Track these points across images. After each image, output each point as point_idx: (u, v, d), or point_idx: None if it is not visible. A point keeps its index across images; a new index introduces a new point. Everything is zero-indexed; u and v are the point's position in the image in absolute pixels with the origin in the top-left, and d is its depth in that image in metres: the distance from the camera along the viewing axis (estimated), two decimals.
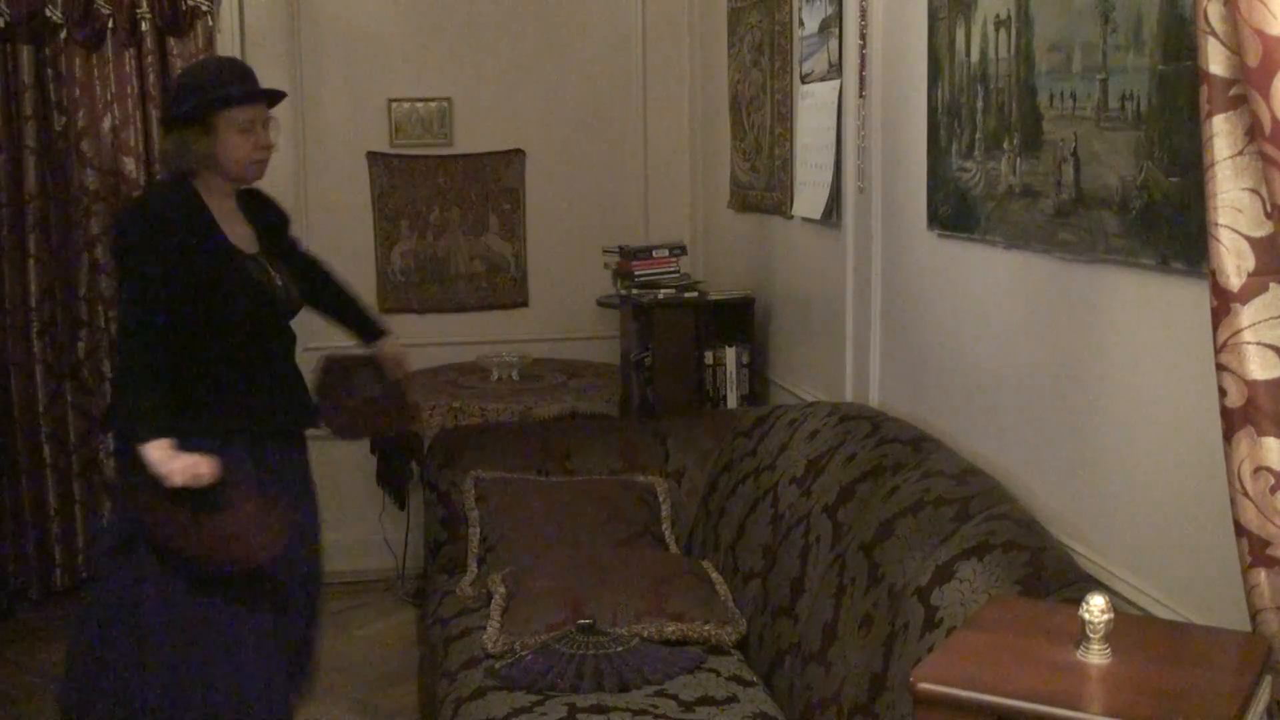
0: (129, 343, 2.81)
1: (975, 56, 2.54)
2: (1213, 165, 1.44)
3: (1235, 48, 1.38)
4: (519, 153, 4.86)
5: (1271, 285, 1.43)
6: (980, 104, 2.52)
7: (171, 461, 2.66)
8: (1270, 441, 1.43)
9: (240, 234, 2.97)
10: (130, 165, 4.40)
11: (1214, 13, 1.41)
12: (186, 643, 2.84)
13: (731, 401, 3.95)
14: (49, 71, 4.35)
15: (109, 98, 4.39)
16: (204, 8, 4.38)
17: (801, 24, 3.61)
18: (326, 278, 3.30)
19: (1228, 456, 1.47)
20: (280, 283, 2.99)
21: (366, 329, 3.33)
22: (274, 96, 2.99)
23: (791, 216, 3.76)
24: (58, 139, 4.39)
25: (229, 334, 2.89)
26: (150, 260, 2.78)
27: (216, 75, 2.92)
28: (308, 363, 3.28)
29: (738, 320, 4.02)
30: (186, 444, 2.71)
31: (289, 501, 2.96)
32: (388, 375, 3.30)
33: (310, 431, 3.18)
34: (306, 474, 3.14)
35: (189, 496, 2.68)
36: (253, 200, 3.09)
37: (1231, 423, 1.46)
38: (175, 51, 4.41)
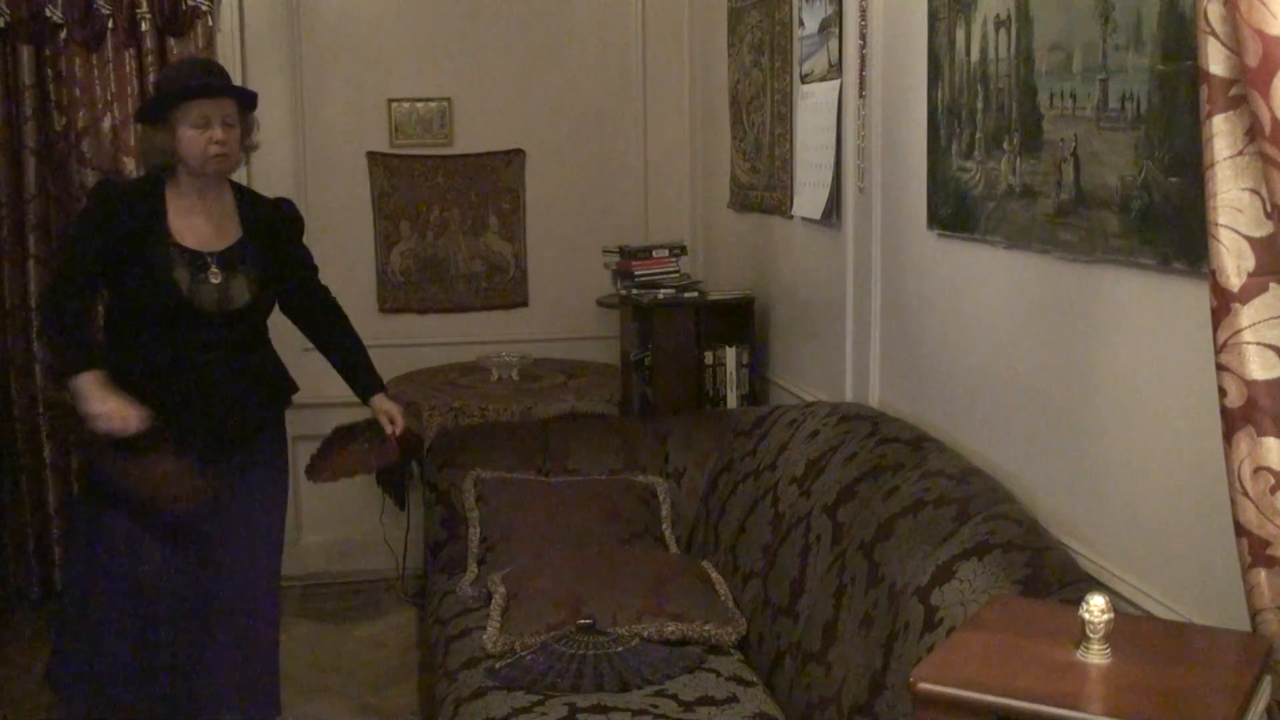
0: (55, 278, 3.03)
1: (975, 56, 2.54)
2: (1213, 165, 1.44)
3: (1235, 48, 1.38)
4: (519, 153, 4.86)
5: (1271, 285, 1.43)
6: (980, 104, 2.52)
7: (102, 402, 2.80)
8: (1270, 441, 1.43)
9: (199, 230, 3.01)
10: (130, 165, 4.39)
11: (1214, 13, 1.41)
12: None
13: (731, 401, 3.95)
14: (49, 71, 4.35)
15: (109, 98, 4.39)
16: (204, 8, 4.38)
17: (801, 24, 3.61)
18: (327, 320, 3.30)
19: (1228, 456, 1.47)
20: (218, 282, 2.98)
21: (358, 385, 3.31)
22: (235, 94, 3.03)
23: (791, 216, 3.76)
24: (58, 139, 4.38)
25: (141, 323, 2.98)
26: (89, 229, 2.97)
27: (178, 73, 3.09)
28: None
29: (738, 320, 4.02)
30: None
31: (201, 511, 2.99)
32: (381, 429, 3.29)
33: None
34: (230, 487, 3.05)
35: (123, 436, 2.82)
36: (253, 202, 3.12)
37: (1231, 423, 1.46)
38: (175, 51, 4.41)
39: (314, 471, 3.30)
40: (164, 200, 3.00)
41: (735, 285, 4.23)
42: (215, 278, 2.98)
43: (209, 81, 2.97)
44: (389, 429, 3.26)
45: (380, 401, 3.28)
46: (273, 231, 3.13)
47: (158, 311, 2.96)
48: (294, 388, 3.26)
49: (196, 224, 3.01)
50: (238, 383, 3.06)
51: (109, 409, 2.80)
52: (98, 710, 3.05)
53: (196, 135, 2.92)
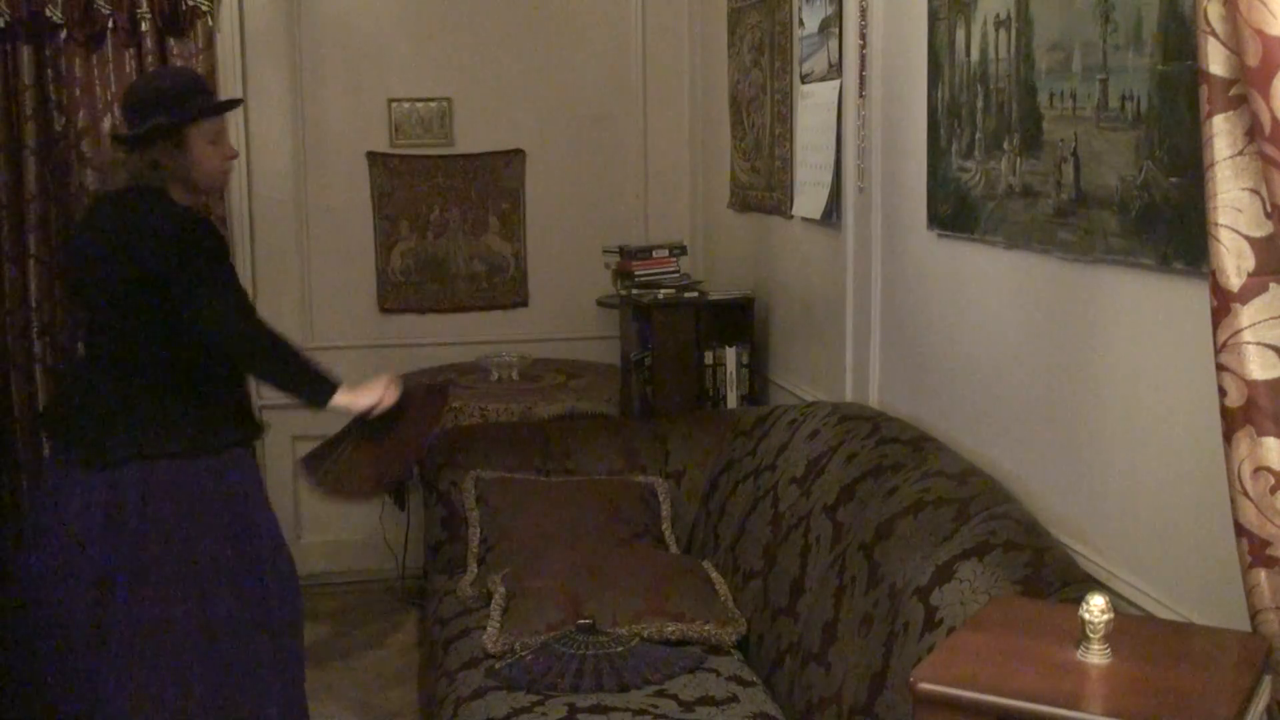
0: (256, 323, 2.83)
1: (975, 56, 2.54)
2: (1213, 165, 1.44)
3: (1235, 48, 1.38)
4: (519, 153, 4.86)
5: (1271, 285, 1.43)
6: (980, 104, 2.52)
7: (362, 395, 2.82)
8: (1270, 441, 1.43)
9: None
10: None
11: (1214, 13, 1.41)
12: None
13: (731, 401, 3.95)
14: (49, 71, 4.35)
15: (109, 98, 4.38)
16: (204, 8, 4.38)
17: (801, 24, 3.61)
18: None
19: (1228, 456, 1.47)
20: None
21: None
22: (236, 105, 3.06)
23: (791, 216, 3.76)
24: (58, 139, 4.38)
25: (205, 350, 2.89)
26: (227, 254, 2.85)
27: (181, 88, 2.87)
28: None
29: (738, 320, 4.02)
30: (212, 460, 2.80)
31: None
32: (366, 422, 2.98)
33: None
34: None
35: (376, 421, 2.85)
36: None
37: (1231, 423, 1.46)
38: (175, 51, 4.41)
39: (360, 485, 3.01)
40: None
41: (735, 285, 4.23)
42: None
43: (222, 100, 2.93)
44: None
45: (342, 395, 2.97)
46: None
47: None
48: None
49: None
50: None
51: (377, 391, 2.84)
52: None
53: (214, 152, 2.87)
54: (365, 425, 2.89)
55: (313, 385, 2.81)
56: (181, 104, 2.81)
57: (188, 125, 2.81)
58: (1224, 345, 1.46)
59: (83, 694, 2.77)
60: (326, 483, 2.93)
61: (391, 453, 2.95)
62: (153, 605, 2.76)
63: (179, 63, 4.39)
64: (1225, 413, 1.47)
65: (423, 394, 3.09)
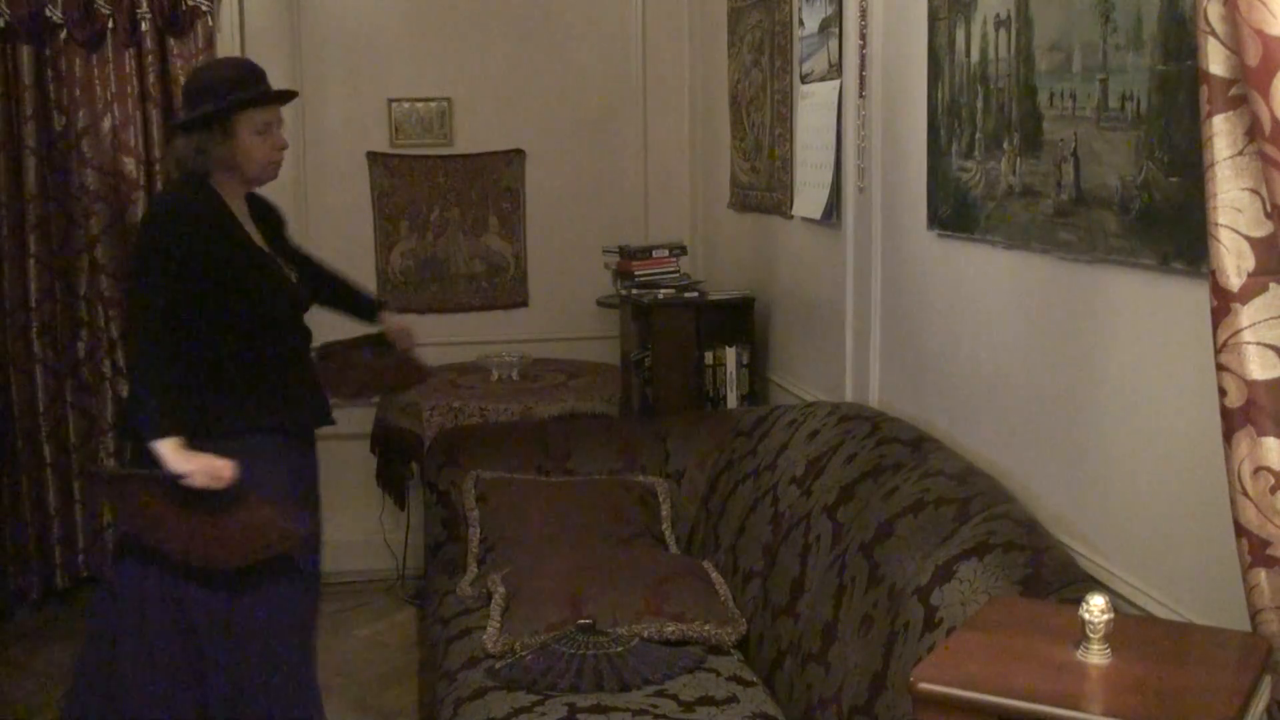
0: (146, 340, 2.77)
1: (975, 56, 2.54)
2: (1213, 165, 1.44)
3: (1235, 48, 1.38)
4: (519, 153, 4.86)
5: (1271, 285, 1.43)
6: (980, 104, 2.52)
7: (188, 461, 2.63)
8: (1270, 441, 1.43)
9: (256, 234, 2.99)
10: (130, 165, 4.40)
11: (1214, 13, 1.41)
12: (210, 644, 2.84)
13: (731, 401, 3.95)
14: (49, 71, 4.35)
15: (109, 98, 4.39)
16: (204, 8, 4.38)
17: (801, 24, 3.62)
18: (319, 268, 3.29)
19: (1228, 456, 1.47)
20: (295, 279, 3.01)
21: (364, 308, 3.34)
22: (288, 97, 3.01)
23: (791, 216, 3.76)
24: (58, 139, 4.39)
25: (258, 331, 2.89)
26: (175, 259, 2.75)
27: (233, 77, 2.88)
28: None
29: (738, 320, 4.02)
30: (218, 444, 2.70)
31: (311, 502, 3.00)
32: (396, 346, 3.26)
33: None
34: (317, 477, 3.13)
35: (200, 496, 2.64)
36: (254, 201, 3.10)
37: (1231, 423, 1.46)
38: (175, 51, 4.42)
39: (336, 387, 3.14)
40: (228, 207, 2.90)
41: (735, 285, 4.23)
42: (292, 275, 3.01)
43: (272, 90, 2.91)
44: (405, 343, 3.19)
45: (390, 317, 3.25)
46: (274, 230, 3.12)
47: (276, 316, 2.92)
48: None
49: (250, 228, 2.98)
50: (315, 376, 3.10)
51: (200, 465, 2.63)
52: None
53: (260, 142, 2.88)
54: (378, 342, 3.11)
55: (152, 418, 2.67)
56: (231, 93, 2.83)
57: (235, 114, 2.83)
58: (1224, 345, 1.46)
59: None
60: (326, 375, 3.10)
61: (384, 377, 3.17)
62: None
63: (179, 63, 4.40)
64: (1225, 413, 1.47)
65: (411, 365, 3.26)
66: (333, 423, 3.11)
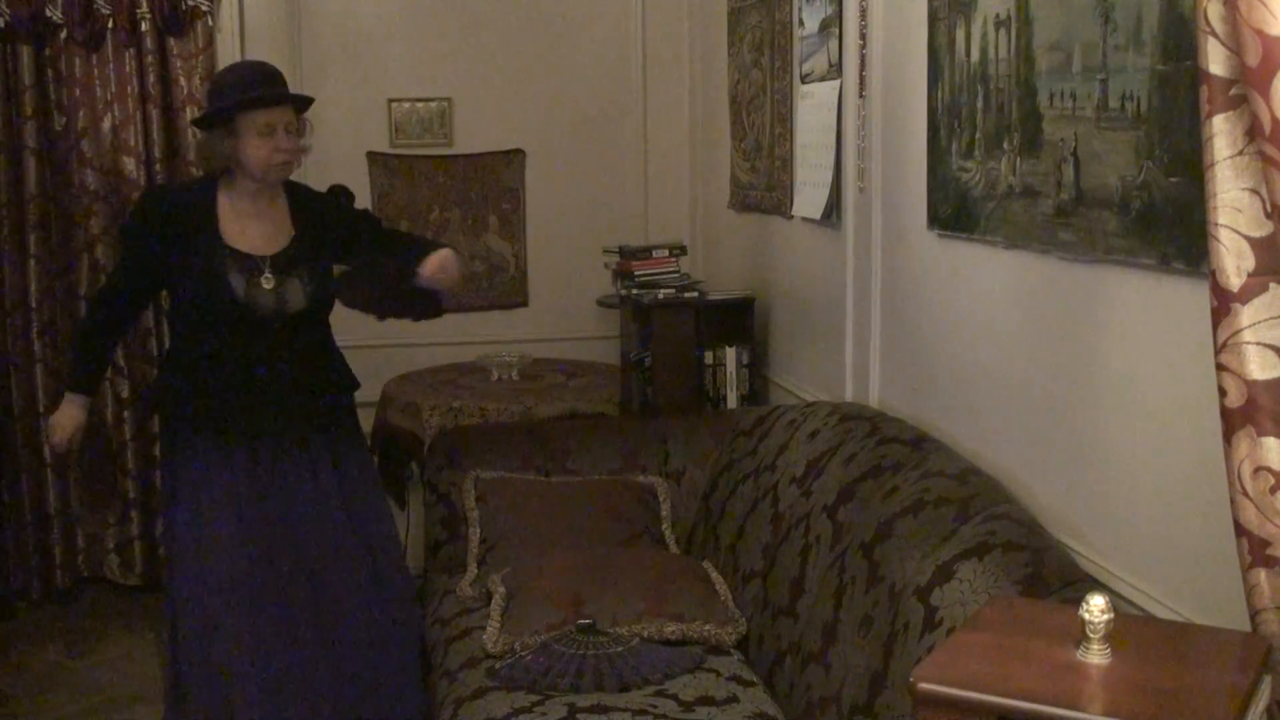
0: (90, 304, 3.24)
1: (975, 56, 2.54)
2: (1213, 165, 1.44)
3: (1235, 48, 1.38)
4: (519, 153, 4.86)
5: (1271, 285, 1.43)
6: (980, 104, 2.52)
7: (56, 413, 3.17)
8: (1270, 441, 1.43)
9: (252, 234, 3.01)
10: (130, 165, 4.40)
11: (1214, 13, 1.41)
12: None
13: (731, 401, 3.95)
14: (49, 71, 4.35)
15: (109, 98, 4.39)
16: (204, 8, 4.38)
17: (801, 24, 3.62)
18: (379, 236, 3.28)
19: (1228, 456, 1.47)
20: (271, 287, 2.99)
21: (415, 253, 3.15)
22: (297, 101, 3.03)
23: (791, 216, 3.76)
24: (58, 139, 4.39)
25: (201, 331, 3.01)
26: (133, 247, 3.08)
27: (243, 79, 2.99)
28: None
29: (738, 320, 4.02)
30: (164, 429, 3.17)
31: (267, 504, 3.01)
32: (421, 273, 3.10)
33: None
34: (314, 477, 3.10)
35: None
36: (306, 201, 3.14)
37: (1231, 423, 1.46)
38: (175, 51, 4.42)
39: (349, 294, 3.12)
40: (216, 204, 3.01)
41: (735, 285, 4.23)
42: (269, 283, 2.99)
43: (277, 91, 2.97)
44: (431, 273, 3.07)
45: (435, 255, 3.10)
46: (325, 225, 3.13)
47: (216, 316, 2.98)
48: (356, 384, 3.29)
49: (249, 228, 3.02)
50: (301, 384, 3.08)
51: (53, 419, 3.17)
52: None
53: (262, 143, 2.93)
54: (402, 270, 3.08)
55: (70, 369, 3.30)
56: (238, 93, 2.93)
57: (239, 115, 2.92)
58: (1224, 345, 1.46)
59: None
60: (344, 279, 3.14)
61: (395, 298, 3.17)
62: None
63: (179, 63, 4.40)
64: (1225, 413, 1.47)
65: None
66: (320, 430, 3.10)
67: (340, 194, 3.24)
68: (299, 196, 3.14)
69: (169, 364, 3.18)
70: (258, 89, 2.94)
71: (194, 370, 3.03)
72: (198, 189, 3.07)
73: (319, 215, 3.13)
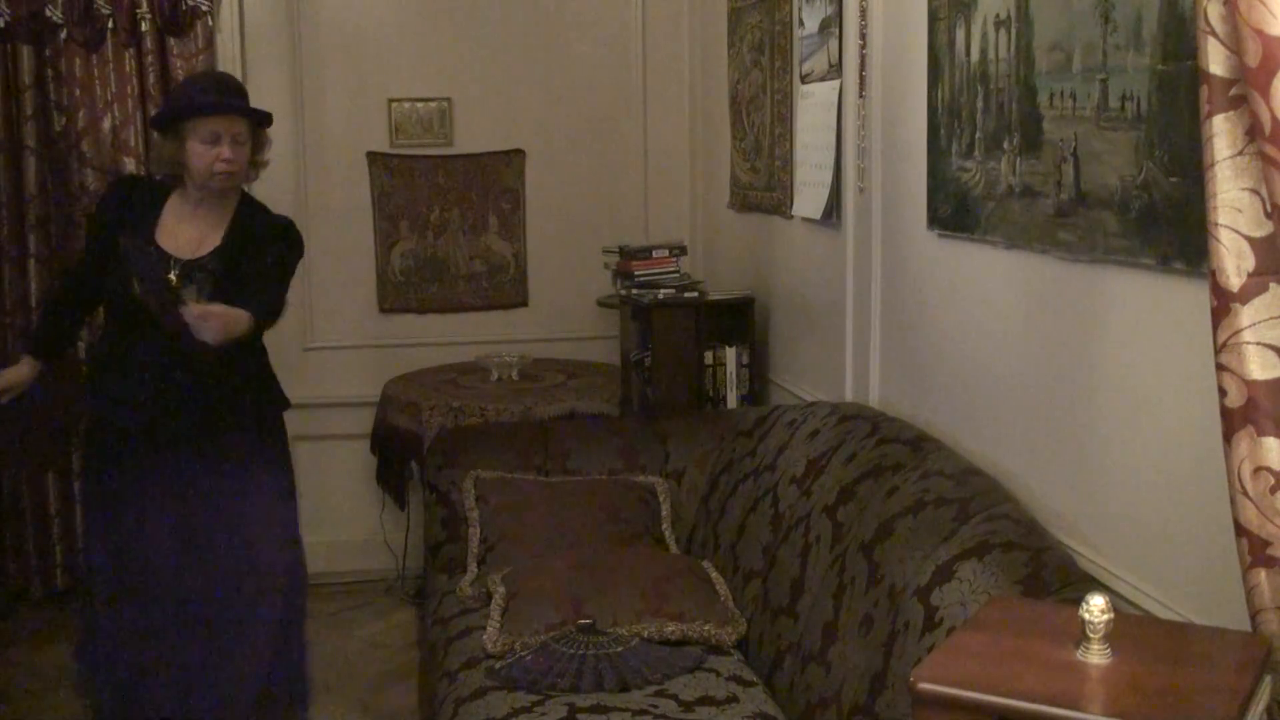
0: (64, 271, 3.57)
1: (975, 56, 2.54)
2: (1213, 165, 1.44)
3: (1235, 48, 1.38)
4: (519, 153, 4.86)
5: (1271, 285, 1.43)
6: (980, 104, 2.52)
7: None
8: (1270, 441, 1.43)
9: (181, 236, 3.02)
10: (130, 165, 4.39)
11: (1214, 13, 1.41)
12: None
13: (731, 401, 3.95)
14: (49, 71, 4.35)
15: (109, 98, 4.39)
16: (204, 8, 4.38)
17: (801, 24, 3.62)
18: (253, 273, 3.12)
19: (1228, 456, 1.47)
20: (172, 288, 2.93)
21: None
22: (249, 113, 3.01)
23: (791, 216, 3.76)
24: (58, 139, 4.38)
25: (112, 321, 3.13)
26: (93, 226, 3.28)
27: (196, 87, 3.09)
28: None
29: (738, 320, 4.02)
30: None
31: (156, 505, 3.01)
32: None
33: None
34: (214, 483, 3.04)
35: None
36: (252, 217, 3.10)
37: (1231, 423, 1.46)
38: (175, 51, 4.41)
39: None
40: (164, 202, 3.06)
41: (735, 285, 4.23)
42: (179, 284, 2.97)
43: (222, 100, 2.98)
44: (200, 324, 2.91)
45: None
46: (253, 246, 3.06)
47: (119, 309, 3.04)
48: (282, 403, 3.21)
49: (183, 230, 3.03)
50: (199, 389, 2.99)
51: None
52: (119, 704, 3.09)
53: (205, 151, 2.95)
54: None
55: (30, 332, 3.58)
56: (185, 99, 3.02)
57: (184, 121, 2.96)
58: (1224, 345, 1.46)
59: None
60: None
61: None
62: None
63: (179, 63, 4.40)
64: (1225, 413, 1.47)
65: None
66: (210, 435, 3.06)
67: (287, 228, 3.14)
68: (247, 213, 3.09)
69: (90, 356, 3.33)
70: (208, 96, 2.98)
71: (105, 368, 3.09)
72: (160, 186, 3.10)
73: (252, 236, 3.06)
